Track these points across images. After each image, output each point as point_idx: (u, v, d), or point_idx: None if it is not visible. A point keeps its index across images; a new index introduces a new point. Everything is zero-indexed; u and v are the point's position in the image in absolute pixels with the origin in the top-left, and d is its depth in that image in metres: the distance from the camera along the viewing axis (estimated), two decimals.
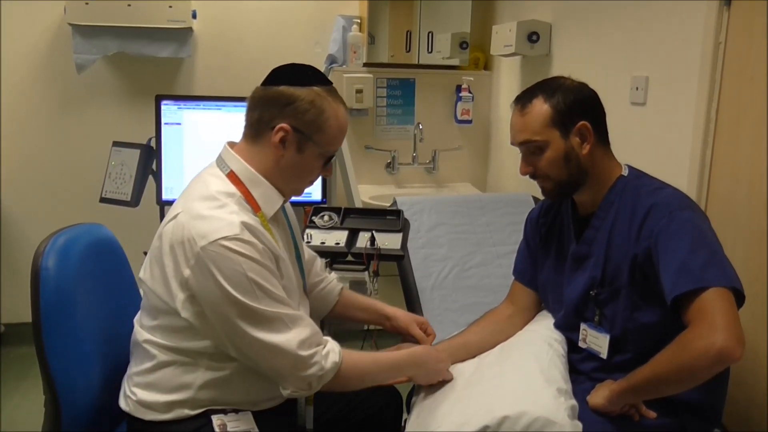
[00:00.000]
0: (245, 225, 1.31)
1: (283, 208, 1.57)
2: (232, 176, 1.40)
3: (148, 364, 1.40)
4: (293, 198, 1.54)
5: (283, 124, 1.37)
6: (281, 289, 1.35)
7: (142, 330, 1.43)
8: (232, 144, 1.46)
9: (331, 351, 1.37)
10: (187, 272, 1.30)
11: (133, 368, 1.44)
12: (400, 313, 1.74)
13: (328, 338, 1.40)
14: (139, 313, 1.47)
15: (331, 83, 1.44)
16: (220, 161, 1.44)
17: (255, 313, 1.29)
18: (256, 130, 1.41)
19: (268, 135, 1.39)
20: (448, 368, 1.57)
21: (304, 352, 1.32)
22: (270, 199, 1.42)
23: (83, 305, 1.45)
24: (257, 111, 1.40)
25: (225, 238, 1.28)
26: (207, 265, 1.28)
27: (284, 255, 1.44)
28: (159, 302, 1.37)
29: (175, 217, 1.36)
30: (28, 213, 3.15)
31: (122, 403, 1.44)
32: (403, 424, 1.66)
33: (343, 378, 1.38)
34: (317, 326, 1.43)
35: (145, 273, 1.41)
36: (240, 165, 1.41)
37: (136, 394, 1.41)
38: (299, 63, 1.44)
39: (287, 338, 1.31)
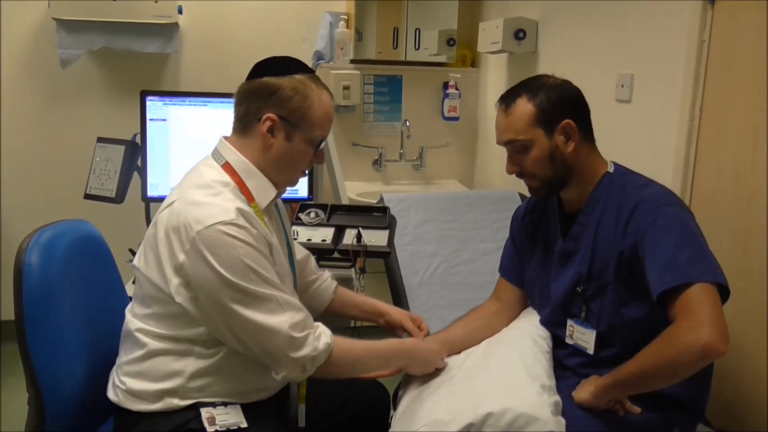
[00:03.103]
0: (240, 211, 1.33)
1: (276, 204, 1.58)
2: (228, 167, 1.42)
3: (138, 353, 1.40)
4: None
5: (270, 114, 1.40)
6: (275, 274, 1.37)
7: (135, 319, 1.43)
8: (226, 138, 1.48)
9: (323, 333, 1.38)
10: (182, 257, 1.31)
11: (123, 358, 1.44)
12: (393, 309, 1.75)
13: (319, 324, 1.41)
14: (131, 302, 1.47)
15: (314, 71, 1.47)
16: (216, 153, 1.46)
17: (249, 294, 1.31)
18: (244, 123, 1.44)
19: (255, 126, 1.42)
20: (442, 357, 1.58)
21: (297, 334, 1.33)
22: (264, 190, 1.44)
23: (67, 302, 1.43)
24: (243, 104, 1.43)
25: (221, 222, 1.30)
26: (202, 249, 1.29)
27: (277, 245, 1.45)
28: (153, 289, 1.38)
29: (170, 204, 1.38)
30: (13, 209, 3.11)
31: (110, 394, 1.44)
32: (390, 421, 1.66)
33: (335, 362, 1.39)
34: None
35: (139, 260, 1.42)
36: (235, 156, 1.43)
37: (126, 383, 1.40)
38: (281, 55, 1.47)
39: (280, 320, 1.32)
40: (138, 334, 1.41)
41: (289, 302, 1.35)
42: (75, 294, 1.46)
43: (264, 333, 1.32)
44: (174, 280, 1.33)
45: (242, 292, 1.30)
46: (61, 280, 1.42)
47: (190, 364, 1.38)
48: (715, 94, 1.84)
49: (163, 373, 1.38)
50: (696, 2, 1.85)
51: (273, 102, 1.40)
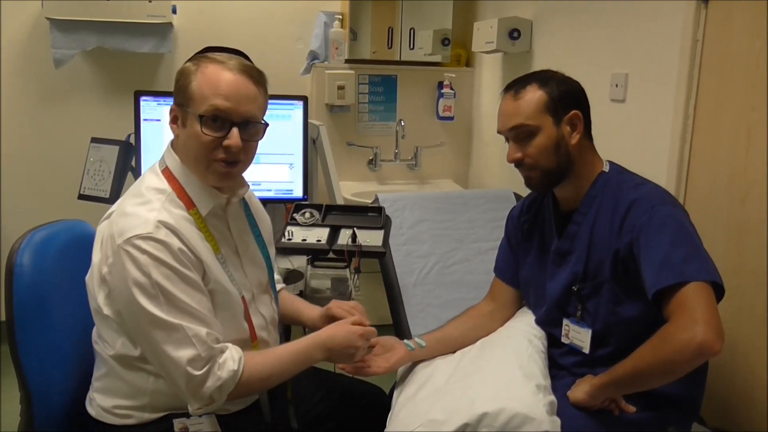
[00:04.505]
0: (162, 223, 1.27)
1: (245, 203, 1.53)
2: (167, 172, 1.38)
3: (102, 370, 1.39)
4: (275, 195, 1.52)
5: (172, 105, 1.37)
6: (194, 294, 1.29)
7: (94, 334, 1.41)
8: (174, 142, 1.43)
9: (229, 359, 1.30)
10: (105, 269, 1.29)
11: (95, 372, 1.43)
12: (316, 319, 1.63)
13: (228, 345, 1.33)
14: None
15: (235, 51, 1.39)
16: (161, 158, 1.42)
17: (155, 320, 1.25)
18: None
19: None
20: (365, 334, 1.46)
21: (196, 371, 1.26)
22: (204, 196, 1.37)
23: (60, 303, 1.42)
24: None
25: (137, 236, 1.25)
26: (119, 263, 1.26)
27: (225, 254, 1.39)
28: (94, 303, 1.35)
29: (109, 215, 1.35)
30: (7, 209, 3.10)
31: (87, 407, 1.42)
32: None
33: (246, 384, 1.32)
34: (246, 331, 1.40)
35: (88, 279, 1.38)
36: (174, 161, 1.38)
37: (96, 399, 1.39)
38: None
39: (182, 355, 1.25)
40: (97, 348, 1.39)
41: (197, 334, 1.27)
42: (68, 296, 1.45)
43: (168, 364, 1.27)
44: (101, 292, 1.31)
45: (150, 316, 1.24)
46: (54, 282, 1.41)
47: (151, 382, 1.35)
48: (708, 93, 1.84)
49: (127, 391, 1.36)
50: (690, 2, 1.85)
51: (174, 90, 1.36)
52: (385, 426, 1.48)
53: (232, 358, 1.31)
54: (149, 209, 1.29)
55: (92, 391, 1.41)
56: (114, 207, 1.36)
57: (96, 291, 1.33)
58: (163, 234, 1.27)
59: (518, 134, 1.51)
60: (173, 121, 1.37)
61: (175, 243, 1.27)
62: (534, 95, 1.49)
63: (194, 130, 1.32)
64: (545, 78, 1.52)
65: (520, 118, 1.49)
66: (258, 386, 1.40)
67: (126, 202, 1.34)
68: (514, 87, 1.53)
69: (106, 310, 1.31)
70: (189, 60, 1.38)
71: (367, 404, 1.69)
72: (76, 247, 1.52)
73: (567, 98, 1.50)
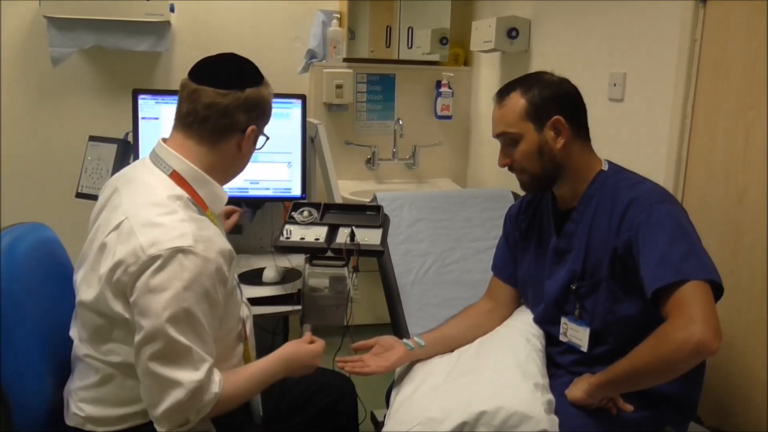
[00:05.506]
0: (199, 237, 1.26)
1: None
2: (176, 176, 1.35)
3: (93, 379, 1.34)
4: (274, 194, 1.53)
5: (254, 126, 1.41)
6: (212, 320, 1.29)
7: (82, 345, 1.36)
8: (167, 140, 1.40)
9: (212, 382, 1.29)
10: (124, 278, 1.24)
11: (77, 383, 1.37)
12: None
13: (212, 371, 1.31)
14: (77, 327, 1.39)
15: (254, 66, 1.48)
16: (158, 160, 1.37)
17: (169, 341, 1.22)
18: (218, 132, 1.37)
19: (235, 136, 1.39)
20: (321, 349, 1.52)
21: (188, 397, 1.25)
22: (218, 197, 1.41)
23: (33, 308, 1.38)
24: (229, 116, 1.36)
25: (177, 249, 1.23)
26: (150, 272, 1.22)
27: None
28: (97, 318, 1.31)
29: (118, 226, 1.28)
30: (4, 208, 3.09)
31: (68, 420, 1.37)
32: (382, 419, 1.66)
33: (221, 405, 1.31)
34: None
35: (82, 287, 1.33)
36: (183, 164, 1.36)
37: (84, 410, 1.34)
38: (242, 57, 1.46)
39: (183, 378, 1.24)
40: (88, 360, 1.34)
41: (202, 359, 1.26)
42: (40, 300, 1.41)
43: (162, 381, 1.24)
44: (117, 303, 1.26)
45: (165, 336, 1.22)
46: (26, 286, 1.37)
47: None
48: (706, 92, 1.84)
49: (123, 398, 1.33)
50: (688, 2, 1.85)
51: (259, 115, 1.42)
52: (353, 416, 1.48)
53: (214, 381, 1.29)
54: (179, 219, 1.27)
55: (77, 402, 1.36)
56: (121, 217, 1.29)
57: (110, 301, 1.27)
58: (201, 248, 1.25)
59: (504, 141, 1.54)
60: (253, 141, 1.43)
61: (214, 258, 1.27)
62: (516, 103, 1.50)
63: (253, 149, 1.46)
64: (531, 83, 1.52)
65: (503, 126, 1.52)
66: (229, 406, 1.36)
67: (145, 212, 1.28)
68: (501, 94, 1.55)
69: (129, 316, 1.26)
70: (264, 84, 1.44)
71: (338, 396, 1.70)
72: (42, 250, 1.49)
73: (549, 104, 1.50)
